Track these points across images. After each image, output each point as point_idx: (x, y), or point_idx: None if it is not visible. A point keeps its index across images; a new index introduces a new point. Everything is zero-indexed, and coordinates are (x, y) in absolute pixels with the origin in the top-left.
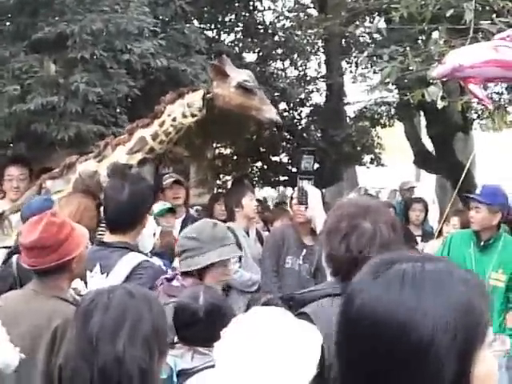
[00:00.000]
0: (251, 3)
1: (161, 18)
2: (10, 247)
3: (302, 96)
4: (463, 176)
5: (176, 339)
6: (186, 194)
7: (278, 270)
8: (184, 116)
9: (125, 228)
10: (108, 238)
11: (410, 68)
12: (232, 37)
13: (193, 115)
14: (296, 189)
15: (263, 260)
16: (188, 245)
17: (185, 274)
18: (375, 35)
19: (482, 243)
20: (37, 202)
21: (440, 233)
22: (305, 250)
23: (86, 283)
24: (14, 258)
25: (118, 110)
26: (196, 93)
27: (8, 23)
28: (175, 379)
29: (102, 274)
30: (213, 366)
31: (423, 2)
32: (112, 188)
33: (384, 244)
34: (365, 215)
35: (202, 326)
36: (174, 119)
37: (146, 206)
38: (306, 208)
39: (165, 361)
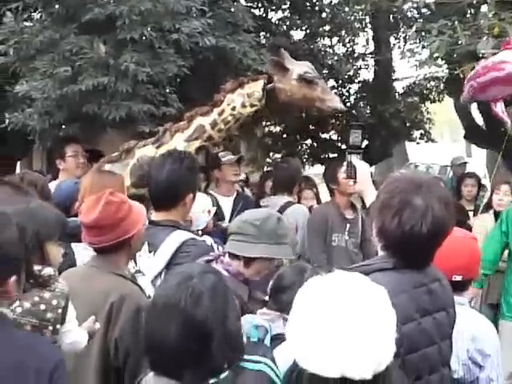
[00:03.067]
0: None
1: None
2: None
3: (351, 73)
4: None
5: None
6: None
7: (325, 250)
8: (243, 106)
9: (165, 206)
10: (155, 216)
11: (459, 42)
12: (279, 14)
13: (252, 105)
14: (345, 163)
15: (310, 241)
16: (247, 230)
17: (232, 255)
18: (423, 10)
19: None
20: (66, 185)
21: (489, 204)
22: (348, 225)
23: (135, 261)
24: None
25: (167, 90)
26: (256, 83)
27: (57, 6)
28: (268, 342)
29: (150, 252)
30: None
31: None
32: (153, 167)
33: (436, 220)
34: (417, 191)
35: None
36: (233, 108)
37: (187, 185)
38: (355, 182)
39: None
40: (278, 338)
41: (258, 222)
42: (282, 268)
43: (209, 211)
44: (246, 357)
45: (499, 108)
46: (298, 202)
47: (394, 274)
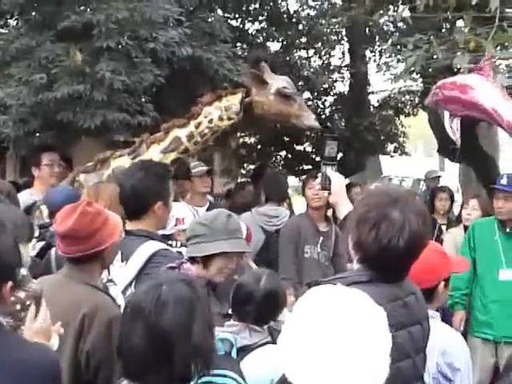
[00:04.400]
0: None
1: (186, 6)
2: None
3: (326, 85)
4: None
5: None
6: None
7: (297, 261)
8: (221, 119)
9: (135, 215)
10: (128, 225)
11: (435, 56)
12: (256, 26)
13: (229, 118)
14: (319, 174)
15: (281, 251)
16: (199, 230)
17: (191, 261)
18: (399, 24)
19: (508, 230)
20: (61, 192)
21: (459, 218)
22: (321, 237)
23: (108, 270)
24: (53, 251)
25: (143, 99)
26: (234, 96)
27: (34, 13)
28: (235, 355)
29: (122, 261)
30: (269, 343)
31: None
32: (123, 176)
33: (413, 234)
34: (394, 205)
35: (255, 307)
36: (210, 121)
37: (153, 193)
38: (329, 194)
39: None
40: (244, 350)
41: (207, 221)
42: (240, 278)
43: (178, 219)
44: (213, 371)
45: (455, 124)
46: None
47: (370, 287)
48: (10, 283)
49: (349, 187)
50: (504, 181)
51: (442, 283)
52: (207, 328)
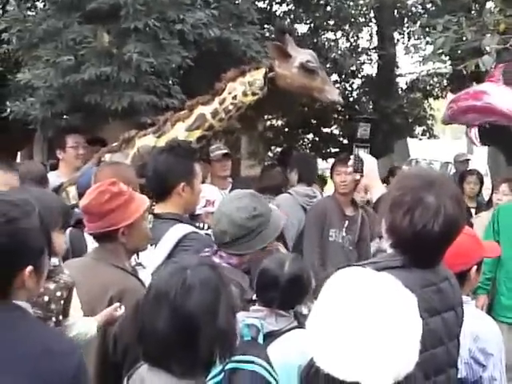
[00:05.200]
0: None
1: None
2: None
3: (354, 67)
4: None
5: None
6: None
7: (321, 244)
8: (245, 94)
9: (160, 197)
10: (157, 208)
11: (464, 38)
12: (284, 7)
13: (254, 94)
14: (351, 157)
15: (307, 234)
16: (239, 233)
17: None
18: (428, 5)
19: None
20: (88, 175)
21: (490, 202)
22: (347, 222)
23: (137, 254)
24: (68, 230)
25: (170, 81)
26: (258, 71)
27: None
28: (261, 341)
29: (151, 245)
30: (296, 328)
31: None
32: (149, 158)
33: (448, 219)
34: (429, 189)
35: (280, 292)
36: (234, 97)
37: (175, 174)
38: (362, 176)
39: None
40: (271, 335)
41: (243, 221)
42: (263, 263)
43: (209, 200)
44: (239, 357)
45: (473, 133)
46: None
47: (403, 272)
48: (29, 267)
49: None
50: None
51: (475, 268)
52: (231, 313)
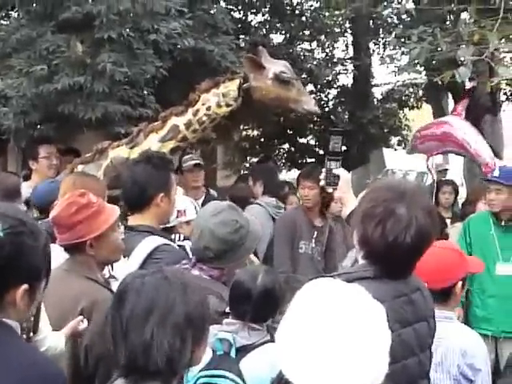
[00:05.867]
0: None
1: None
2: None
3: (330, 77)
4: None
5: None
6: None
7: (292, 255)
8: (219, 106)
9: (137, 208)
10: (131, 220)
11: (439, 49)
12: (259, 17)
13: (227, 105)
14: (323, 170)
15: (277, 246)
16: (214, 246)
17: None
18: (403, 16)
19: (503, 223)
20: (43, 185)
21: (465, 213)
22: (316, 232)
23: (111, 266)
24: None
25: (144, 91)
26: (232, 82)
27: (35, 4)
28: (234, 355)
29: (124, 257)
30: (269, 342)
31: None
32: (124, 169)
33: (420, 230)
34: (401, 200)
35: (252, 305)
36: (208, 108)
37: (154, 185)
38: (335, 189)
39: (205, 346)
40: (244, 349)
41: (225, 238)
42: (236, 275)
43: (179, 211)
44: (212, 372)
45: (430, 162)
46: (284, 208)
47: (375, 283)
48: (25, 286)
49: None
50: (496, 173)
51: (460, 283)
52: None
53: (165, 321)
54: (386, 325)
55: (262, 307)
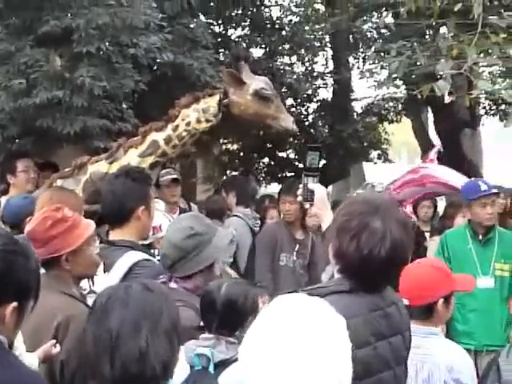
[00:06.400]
0: None
1: (167, 12)
2: None
3: (309, 92)
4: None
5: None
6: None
7: (272, 268)
8: (199, 121)
9: (118, 223)
10: (111, 235)
11: (418, 63)
12: (239, 32)
13: (208, 121)
14: (300, 186)
15: (257, 258)
16: (174, 253)
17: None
18: (383, 30)
19: (481, 237)
20: (15, 201)
21: (444, 226)
22: (297, 246)
23: (92, 281)
24: None
25: (124, 105)
26: (212, 97)
27: (14, 17)
28: (212, 370)
29: (105, 272)
30: None
31: None
32: (103, 183)
33: (395, 243)
34: (375, 214)
35: (217, 316)
36: (188, 124)
37: (134, 199)
38: (312, 205)
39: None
40: (222, 364)
41: (178, 243)
42: (206, 286)
43: (155, 226)
44: None
45: (408, 210)
46: (263, 221)
47: (350, 296)
48: (14, 303)
49: None
50: (484, 187)
51: (441, 300)
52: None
53: (157, 328)
54: (346, 337)
55: (225, 318)
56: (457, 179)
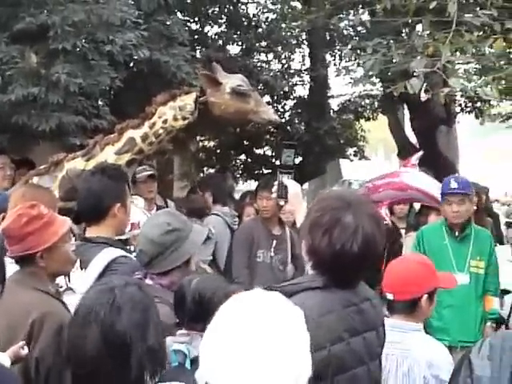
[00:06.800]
0: None
1: (144, 9)
2: None
3: (286, 89)
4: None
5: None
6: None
7: (249, 265)
8: (175, 119)
9: (94, 220)
10: (88, 232)
11: (394, 60)
12: (216, 29)
13: (184, 118)
14: (275, 183)
15: (234, 255)
16: (151, 249)
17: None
18: (359, 28)
19: (457, 234)
20: None
21: (418, 222)
22: (275, 241)
23: (69, 278)
24: None
25: (99, 102)
26: (188, 95)
27: None
28: (189, 366)
29: (82, 269)
30: None
31: None
32: (79, 180)
33: (367, 238)
34: (347, 209)
35: (187, 310)
36: (164, 121)
37: (111, 195)
38: (286, 202)
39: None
40: (198, 361)
41: (156, 239)
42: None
43: (133, 223)
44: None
45: (383, 211)
46: (240, 218)
47: (324, 293)
48: None
49: None
50: (454, 185)
51: (425, 296)
52: (160, 331)
53: (158, 326)
54: (304, 331)
55: (196, 312)
56: (437, 189)
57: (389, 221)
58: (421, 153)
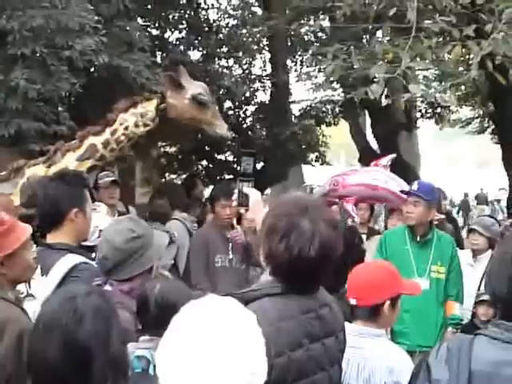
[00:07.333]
0: (195, 1)
1: (103, 14)
2: None
3: (247, 94)
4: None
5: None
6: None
7: (209, 271)
8: (136, 126)
9: (52, 225)
10: (49, 238)
11: (354, 66)
12: (176, 34)
13: (145, 125)
14: (235, 191)
15: (191, 262)
16: (115, 255)
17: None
18: (319, 34)
19: (418, 239)
20: None
21: (386, 228)
22: (230, 244)
23: (29, 285)
24: None
25: (59, 108)
26: (149, 102)
27: None
28: (152, 372)
29: (42, 275)
30: None
31: (367, 1)
32: (38, 186)
33: (324, 243)
34: (304, 214)
35: (150, 315)
36: (126, 128)
37: (67, 200)
38: (247, 210)
39: None
40: None
41: (121, 246)
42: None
43: (102, 230)
44: None
45: (350, 207)
46: (203, 224)
47: (282, 299)
48: None
49: None
50: (415, 186)
51: (388, 302)
52: (123, 340)
53: (120, 334)
54: (258, 333)
55: (159, 317)
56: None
57: (356, 217)
58: (393, 155)
